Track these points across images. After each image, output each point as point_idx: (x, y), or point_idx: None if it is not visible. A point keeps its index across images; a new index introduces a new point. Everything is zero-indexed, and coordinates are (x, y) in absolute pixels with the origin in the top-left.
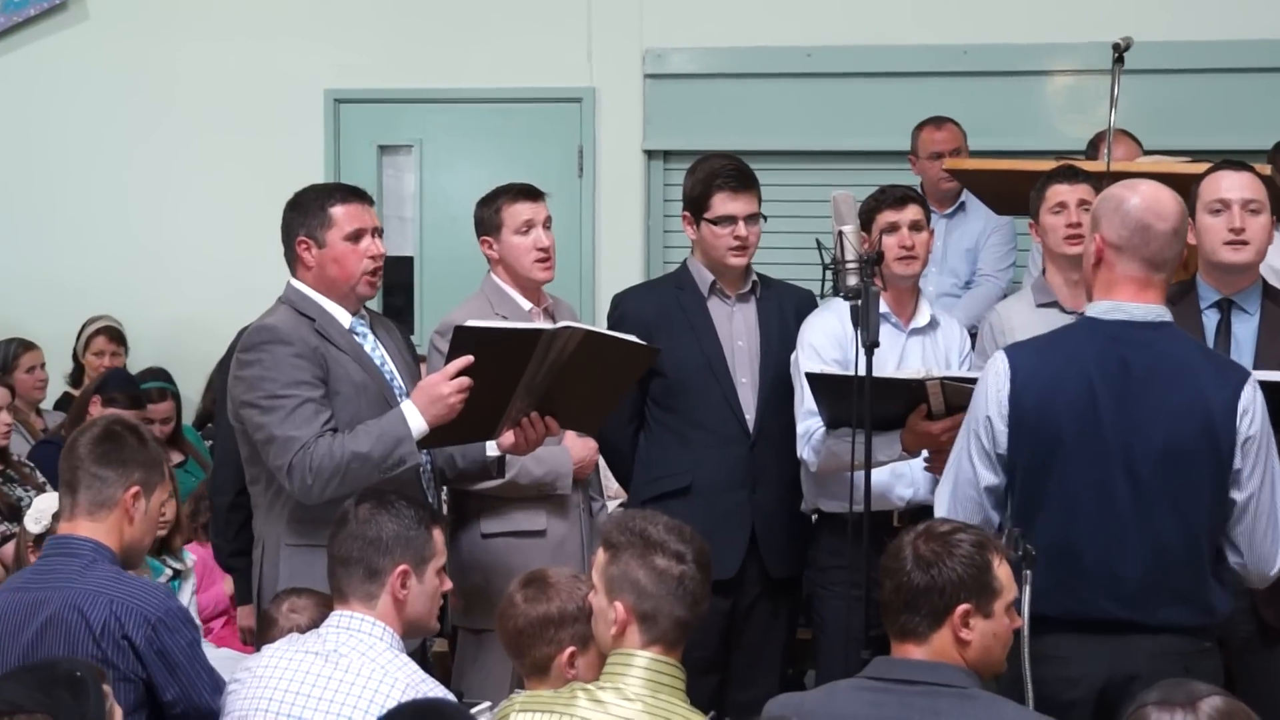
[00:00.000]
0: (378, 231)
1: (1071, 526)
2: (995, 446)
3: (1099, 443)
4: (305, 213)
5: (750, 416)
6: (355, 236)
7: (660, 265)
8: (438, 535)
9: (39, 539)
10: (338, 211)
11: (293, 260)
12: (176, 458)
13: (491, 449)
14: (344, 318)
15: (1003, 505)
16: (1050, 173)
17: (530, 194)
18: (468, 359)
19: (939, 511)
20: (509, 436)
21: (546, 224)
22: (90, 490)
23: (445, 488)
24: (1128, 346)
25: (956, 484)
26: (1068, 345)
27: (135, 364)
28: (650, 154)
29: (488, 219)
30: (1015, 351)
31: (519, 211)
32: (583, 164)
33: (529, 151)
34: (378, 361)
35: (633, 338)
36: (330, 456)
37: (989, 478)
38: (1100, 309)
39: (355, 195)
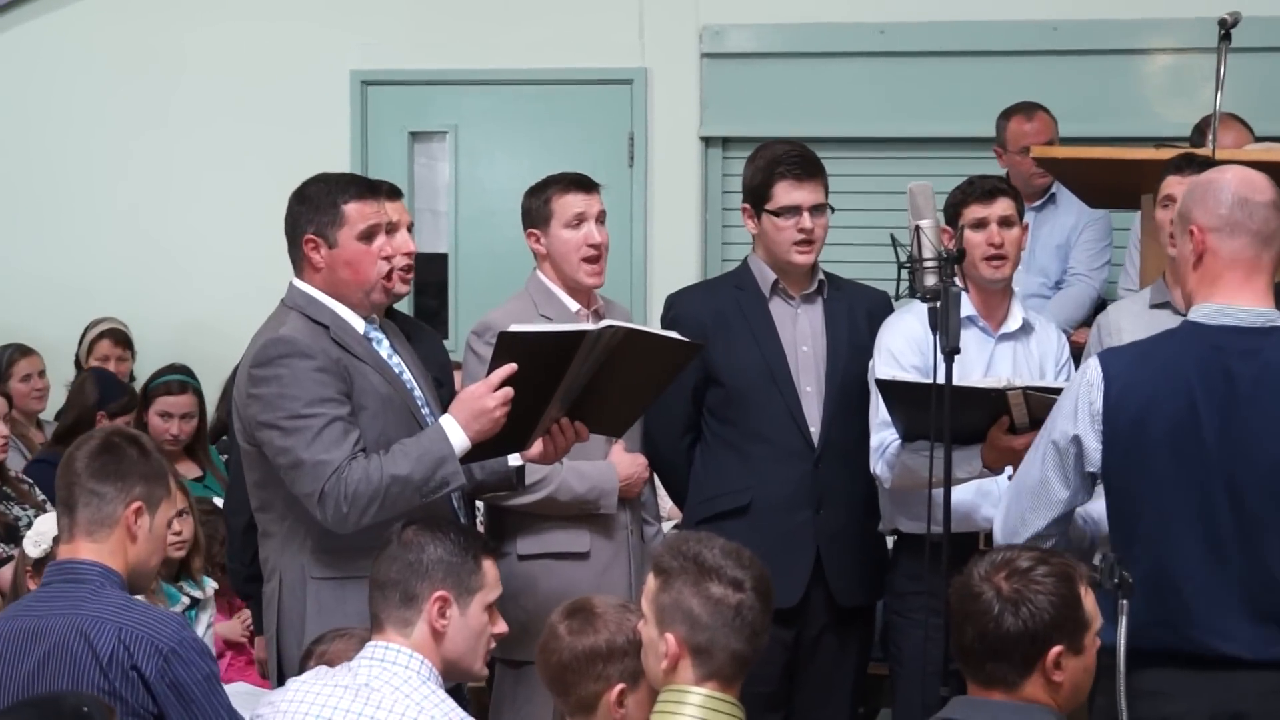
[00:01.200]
0: (407, 227)
1: (1170, 554)
2: (1086, 463)
3: (1200, 463)
4: (314, 207)
5: (815, 429)
6: (369, 235)
7: (718, 263)
8: (489, 568)
9: (39, 563)
10: (351, 208)
11: (298, 260)
12: (194, 471)
13: (513, 458)
14: (358, 324)
15: (1065, 523)
16: (1166, 162)
17: (584, 185)
18: (511, 367)
19: (997, 528)
20: (538, 445)
21: (600, 219)
22: (88, 508)
23: (480, 504)
24: (1233, 355)
25: (1018, 495)
26: (1166, 353)
27: (143, 370)
28: (707, 141)
29: (535, 210)
30: (1111, 358)
31: (570, 203)
32: (633, 152)
33: (574, 138)
34: (397, 371)
35: (673, 334)
36: (367, 481)
37: (1061, 492)
38: (1203, 313)
39: (371, 189)
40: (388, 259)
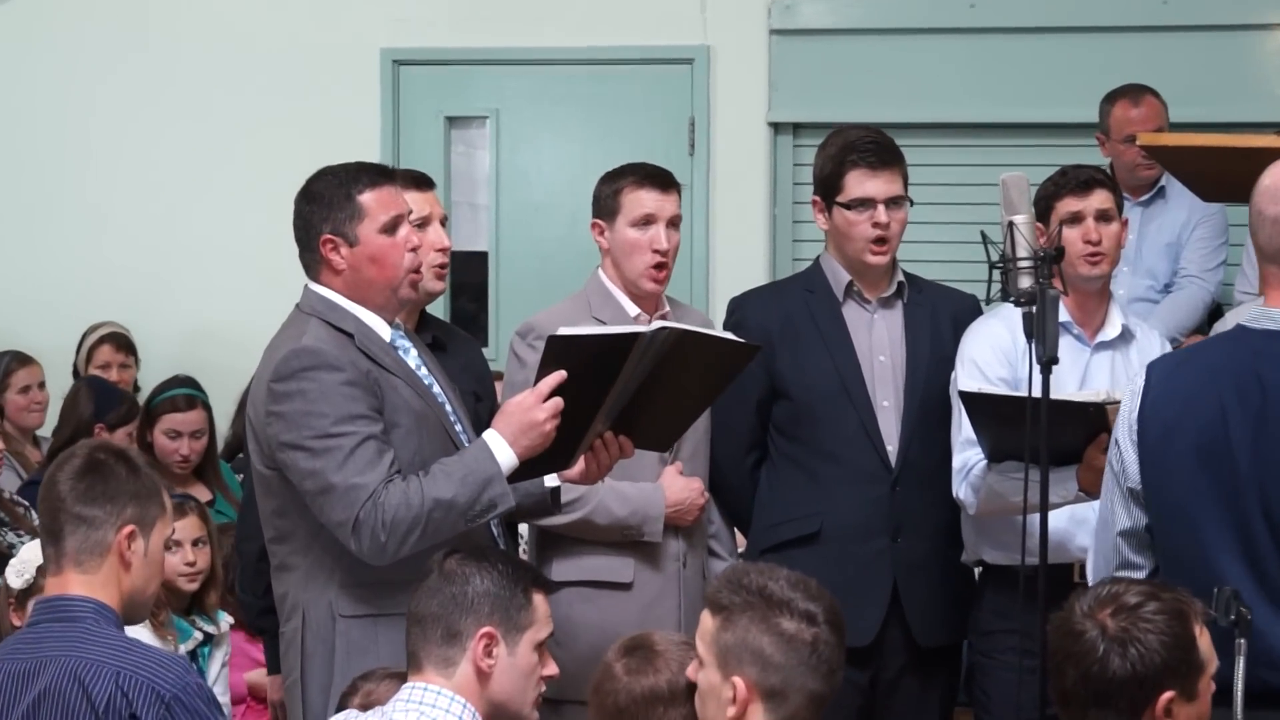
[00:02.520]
0: (440, 221)
1: (1211, 580)
2: (1126, 479)
3: (1231, 478)
4: (328, 204)
5: (893, 448)
6: (392, 226)
7: (788, 263)
8: (539, 603)
9: (23, 595)
10: (368, 199)
11: (315, 263)
12: (203, 494)
13: (549, 478)
14: (384, 330)
15: (1147, 549)
16: None
17: (661, 182)
18: (561, 374)
19: (1089, 564)
20: (579, 462)
21: (673, 223)
22: (75, 536)
23: (523, 528)
24: (1267, 362)
25: (1099, 527)
26: (1207, 358)
27: (148, 380)
28: (776, 127)
29: (604, 200)
30: (1156, 364)
31: (642, 200)
32: (694, 139)
33: (628, 125)
34: (426, 383)
35: (729, 335)
36: (406, 506)
37: (1123, 519)
38: (1250, 315)
39: (384, 176)
40: (414, 250)
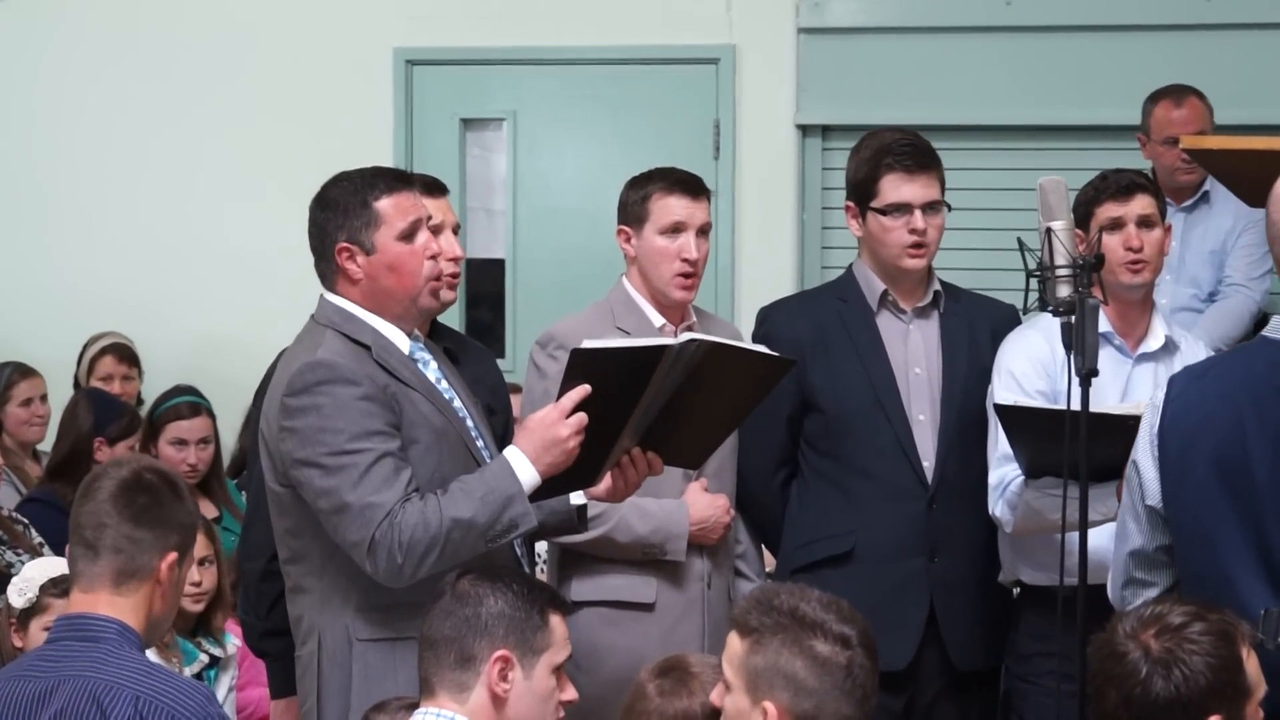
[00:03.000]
0: (453, 229)
1: (1232, 601)
2: (1146, 497)
3: (1250, 496)
4: (343, 211)
5: (929, 464)
6: (410, 233)
7: (817, 271)
8: (557, 625)
9: (24, 615)
10: (385, 205)
11: (330, 272)
12: (209, 510)
13: (575, 495)
14: (402, 342)
15: (1161, 568)
16: None
17: (691, 188)
18: (585, 389)
19: (1111, 585)
20: (605, 480)
21: (702, 231)
22: (120, 555)
23: (540, 547)
24: None
25: (1116, 547)
26: (1227, 370)
27: (151, 392)
28: (804, 129)
29: (631, 206)
30: (1179, 377)
31: (671, 207)
32: (719, 142)
33: (651, 127)
34: (447, 397)
35: (763, 348)
36: (424, 526)
37: (1135, 538)
38: (1273, 326)
39: (401, 180)
40: (434, 257)
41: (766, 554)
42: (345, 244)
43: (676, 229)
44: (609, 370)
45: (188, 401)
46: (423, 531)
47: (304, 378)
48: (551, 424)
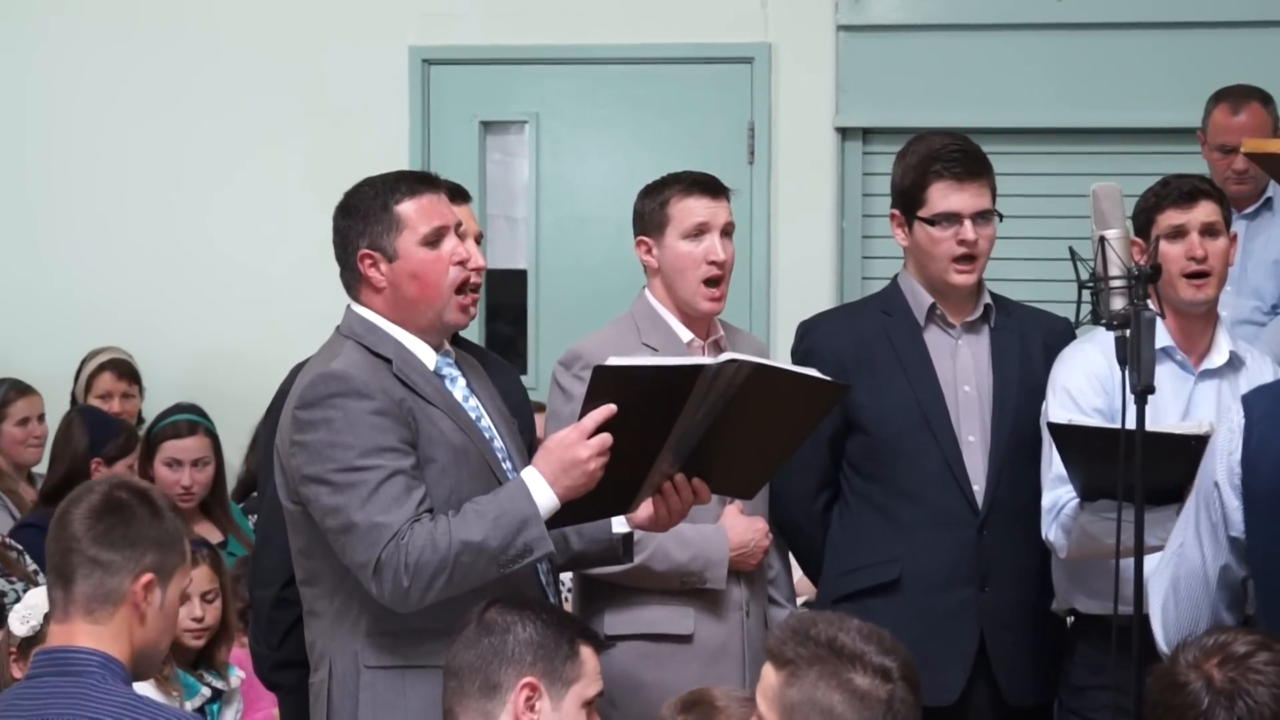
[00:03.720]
0: (475, 238)
1: None
2: (1228, 526)
3: None
4: (364, 217)
5: (979, 487)
6: (435, 239)
7: (857, 283)
8: (588, 657)
9: (25, 644)
10: (407, 209)
11: (354, 282)
12: (212, 534)
13: (619, 524)
14: (428, 356)
15: (1240, 604)
16: None
17: (710, 188)
18: (609, 409)
19: (1154, 614)
20: (645, 506)
21: (726, 231)
22: (89, 580)
23: (565, 577)
24: None
25: (1177, 576)
26: None
27: (154, 409)
28: (844, 132)
29: (649, 214)
30: (1257, 397)
31: (691, 209)
32: (754, 146)
33: (681, 130)
34: (473, 415)
35: (815, 372)
36: (433, 548)
37: (1215, 566)
38: None
39: (426, 183)
40: (462, 262)
41: (805, 582)
42: (367, 250)
43: (700, 231)
44: (637, 389)
45: (185, 420)
46: (430, 554)
47: (315, 390)
48: (571, 444)
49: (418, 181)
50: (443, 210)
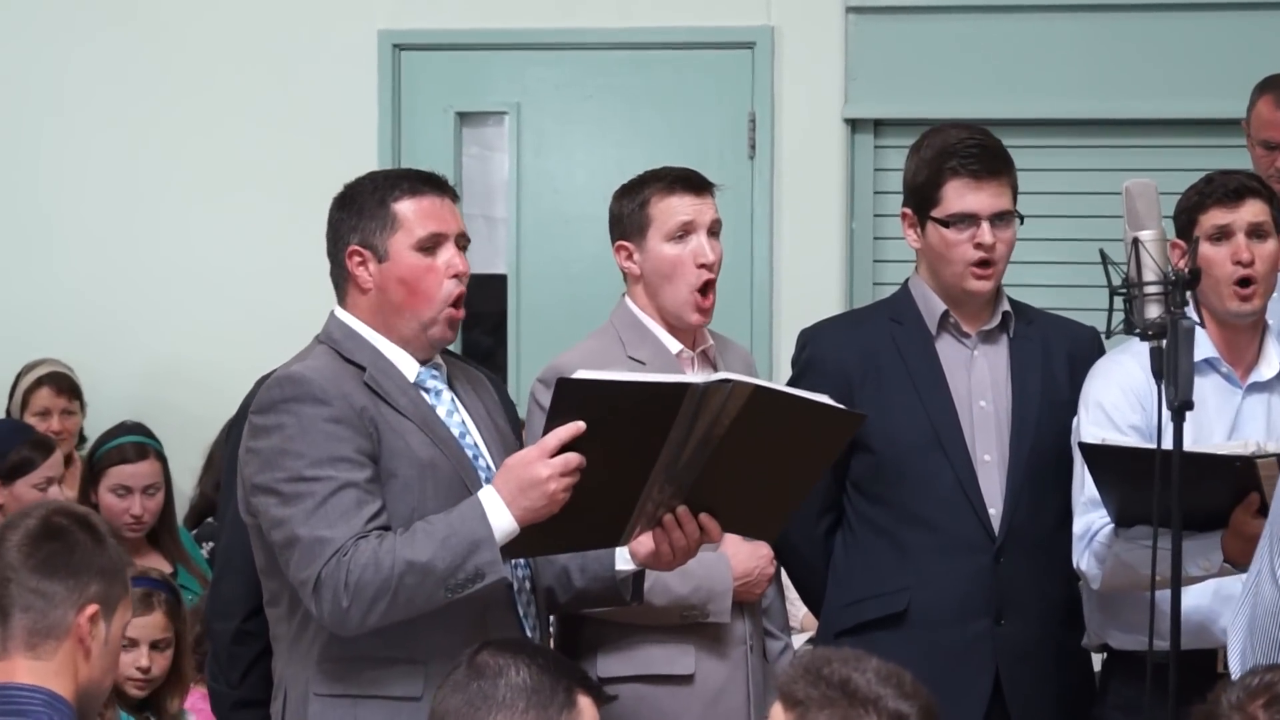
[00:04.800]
0: (464, 240)
1: None
2: None
3: None
4: (359, 211)
5: (995, 511)
6: (432, 245)
7: (868, 288)
8: (586, 707)
9: None
10: (405, 208)
11: (342, 281)
12: (160, 565)
13: (623, 560)
14: (409, 367)
15: None
16: None
17: (693, 184)
18: (576, 426)
19: (1233, 661)
20: (646, 541)
21: (714, 229)
22: (30, 613)
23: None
24: None
25: (1253, 615)
26: None
27: (97, 428)
28: (854, 124)
29: (628, 216)
30: None
31: (674, 208)
32: (755, 140)
33: (676, 123)
34: (455, 430)
35: (826, 399)
36: (375, 567)
37: (1272, 596)
38: None
39: (431, 185)
40: (458, 276)
41: (806, 614)
42: (357, 247)
43: (685, 231)
44: (608, 406)
45: (133, 442)
46: (373, 573)
47: (271, 394)
48: (530, 463)
49: (422, 181)
50: (445, 217)
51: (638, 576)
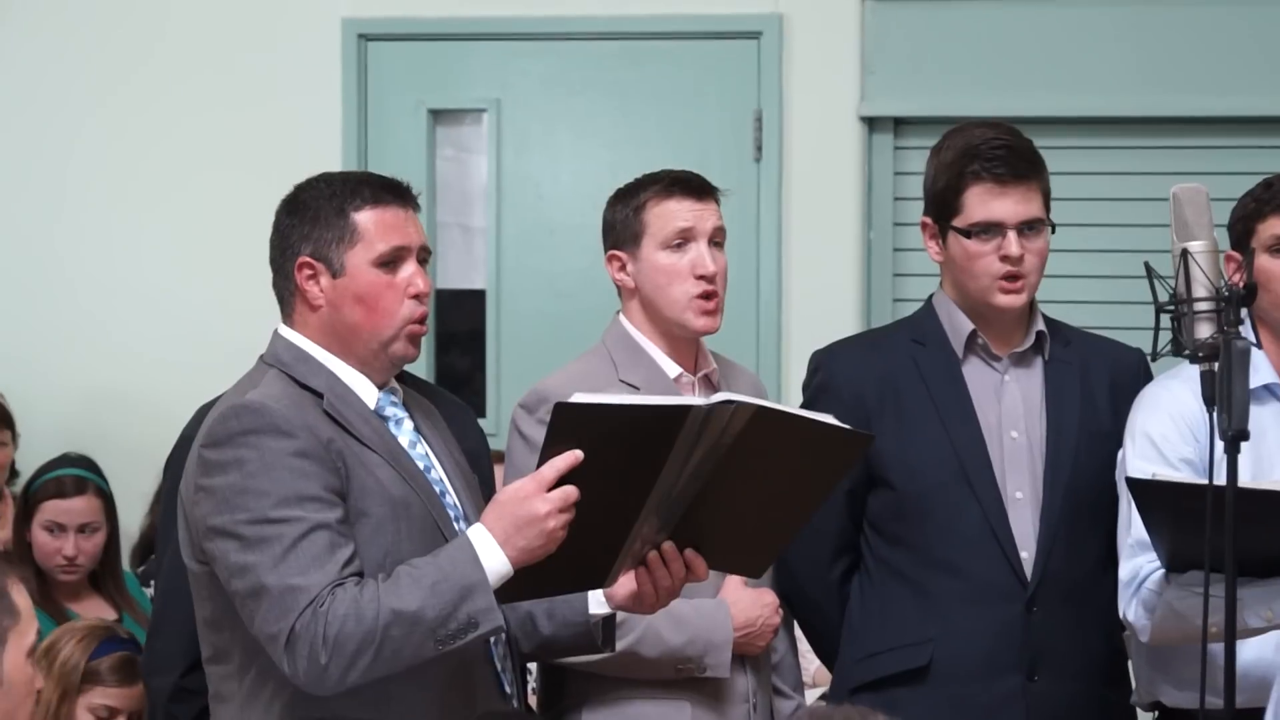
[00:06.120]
0: (425, 254)
1: None
2: None
3: None
4: (313, 219)
5: (1028, 554)
6: (393, 261)
7: (887, 305)
8: None
9: None
10: (365, 219)
11: (288, 295)
12: (103, 610)
13: (596, 603)
14: (368, 392)
15: None
16: None
17: (693, 188)
18: (573, 455)
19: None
20: (626, 581)
21: (716, 237)
22: None
23: (531, 665)
24: None
25: None
26: None
27: (31, 461)
28: (871, 123)
29: (621, 223)
30: None
31: (672, 213)
32: (762, 140)
33: (674, 122)
34: (421, 464)
35: (830, 419)
36: (357, 619)
37: None
38: None
39: (395, 194)
40: (418, 296)
41: (825, 670)
42: (308, 259)
43: (684, 238)
44: (608, 434)
45: (72, 476)
46: (355, 625)
47: (227, 425)
48: (527, 498)
49: (384, 189)
50: (408, 230)
51: (608, 621)
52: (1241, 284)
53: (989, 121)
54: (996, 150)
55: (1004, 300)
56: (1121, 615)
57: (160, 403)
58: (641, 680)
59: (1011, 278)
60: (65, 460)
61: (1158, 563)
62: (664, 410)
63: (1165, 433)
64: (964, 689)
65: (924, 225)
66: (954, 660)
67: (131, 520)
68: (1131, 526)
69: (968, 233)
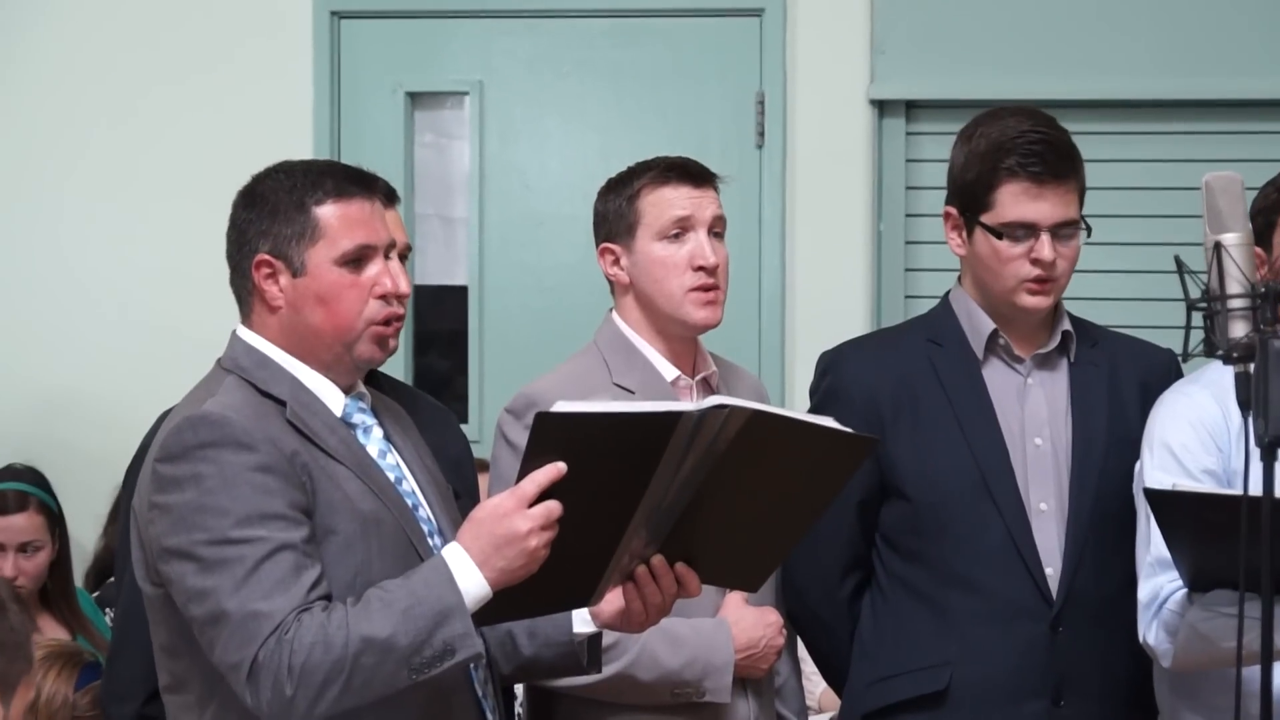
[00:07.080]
0: (397, 250)
1: None
2: None
3: None
4: (271, 213)
5: (1053, 571)
6: (357, 259)
7: (898, 302)
8: None
9: None
10: (328, 214)
11: (245, 294)
12: (58, 632)
13: (582, 621)
14: (334, 399)
15: None
16: None
17: (691, 174)
18: (557, 468)
19: None
20: (613, 598)
21: (716, 227)
22: None
23: (515, 687)
24: None
25: None
26: None
27: None
28: (882, 106)
29: (615, 214)
30: None
31: (669, 202)
32: (765, 125)
33: (670, 105)
34: (391, 475)
35: (830, 422)
36: (325, 646)
37: None
38: None
39: (360, 185)
40: (385, 297)
41: (831, 694)
42: (267, 256)
43: (681, 228)
44: (592, 444)
45: (14, 490)
46: (322, 653)
47: (182, 438)
48: (506, 515)
49: (348, 180)
50: (374, 225)
51: (594, 640)
52: (1278, 280)
53: (1025, 109)
54: (1034, 146)
55: (1030, 301)
56: (1141, 639)
57: (119, 410)
58: (636, 705)
59: (1042, 280)
60: (9, 472)
61: (1179, 582)
62: (652, 418)
63: (1185, 442)
64: (985, 714)
65: (947, 216)
66: (974, 684)
67: (89, 535)
68: (1151, 543)
69: (999, 233)
